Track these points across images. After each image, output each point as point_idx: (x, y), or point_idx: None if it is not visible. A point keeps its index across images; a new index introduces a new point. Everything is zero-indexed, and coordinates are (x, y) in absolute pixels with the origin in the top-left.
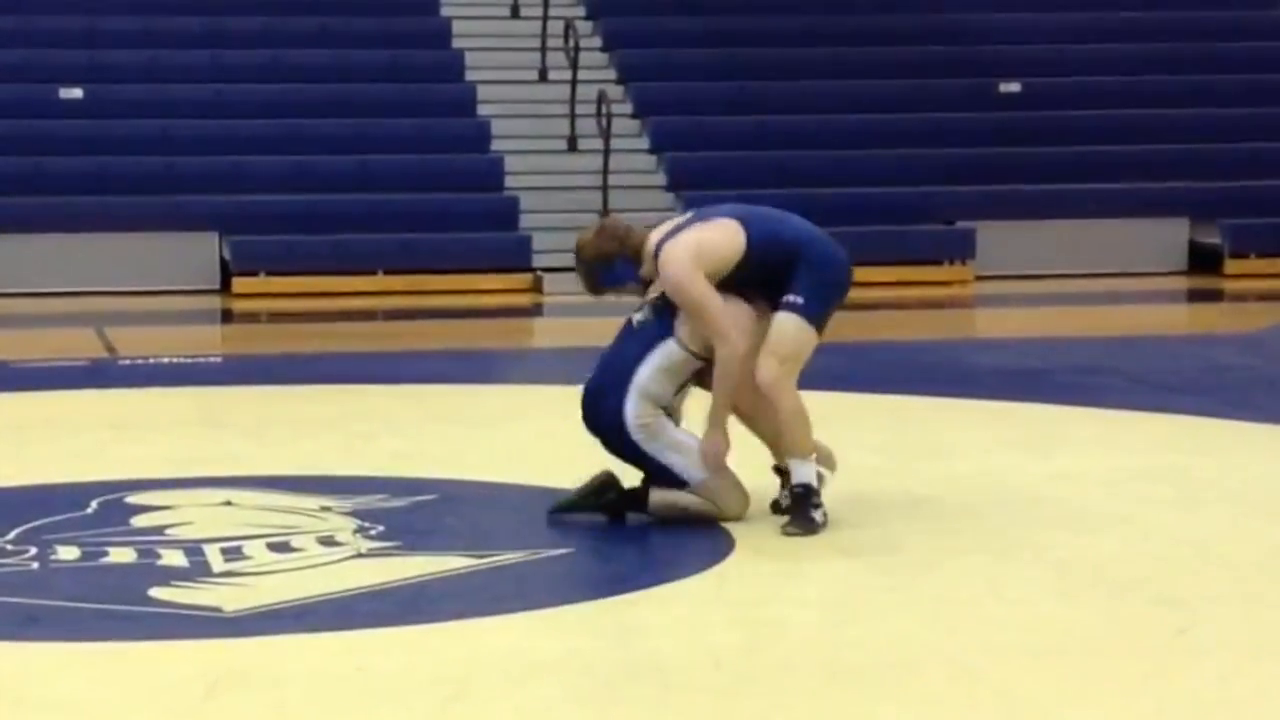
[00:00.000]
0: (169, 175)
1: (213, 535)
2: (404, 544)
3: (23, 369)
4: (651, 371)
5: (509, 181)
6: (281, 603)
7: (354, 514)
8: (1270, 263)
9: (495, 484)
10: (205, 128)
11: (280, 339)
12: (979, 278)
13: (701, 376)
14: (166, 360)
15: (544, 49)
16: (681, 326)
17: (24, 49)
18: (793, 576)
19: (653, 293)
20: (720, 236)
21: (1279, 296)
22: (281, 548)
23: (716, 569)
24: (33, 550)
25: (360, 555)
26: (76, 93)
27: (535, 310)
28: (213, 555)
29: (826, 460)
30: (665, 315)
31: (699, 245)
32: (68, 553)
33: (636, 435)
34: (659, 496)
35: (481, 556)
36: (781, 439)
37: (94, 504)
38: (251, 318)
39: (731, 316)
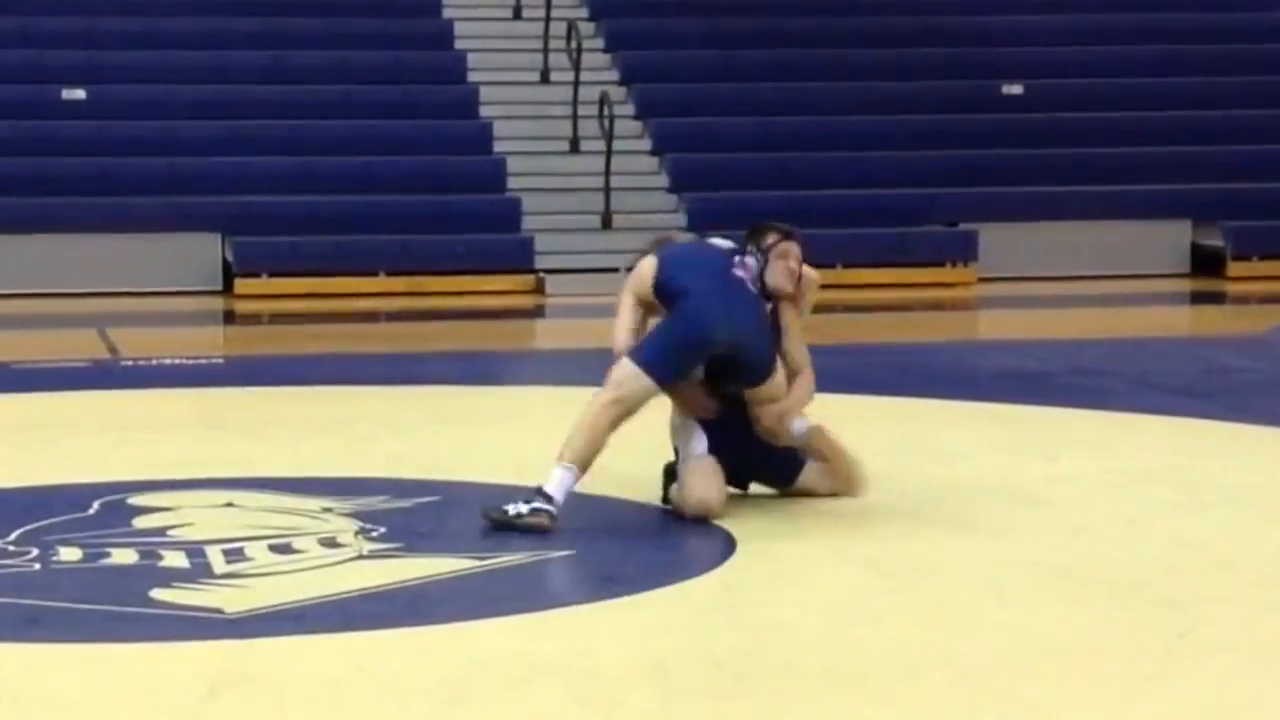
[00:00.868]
0: (171, 176)
1: (214, 537)
2: (406, 546)
3: (25, 370)
4: None
5: (511, 183)
6: (283, 604)
7: (356, 515)
8: (1273, 265)
9: (497, 486)
10: (208, 129)
11: (282, 340)
12: (981, 280)
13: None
14: (169, 361)
15: (546, 50)
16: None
17: (27, 50)
18: (794, 579)
19: None
20: (645, 266)
21: None
22: (283, 549)
23: (718, 571)
24: (34, 551)
25: (362, 557)
26: (79, 94)
27: (537, 311)
28: (214, 557)
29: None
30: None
31: (641, 266)
32: (69, 554)
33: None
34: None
35: (483, 558)
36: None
37: (96, 505)
38: (254, 319)
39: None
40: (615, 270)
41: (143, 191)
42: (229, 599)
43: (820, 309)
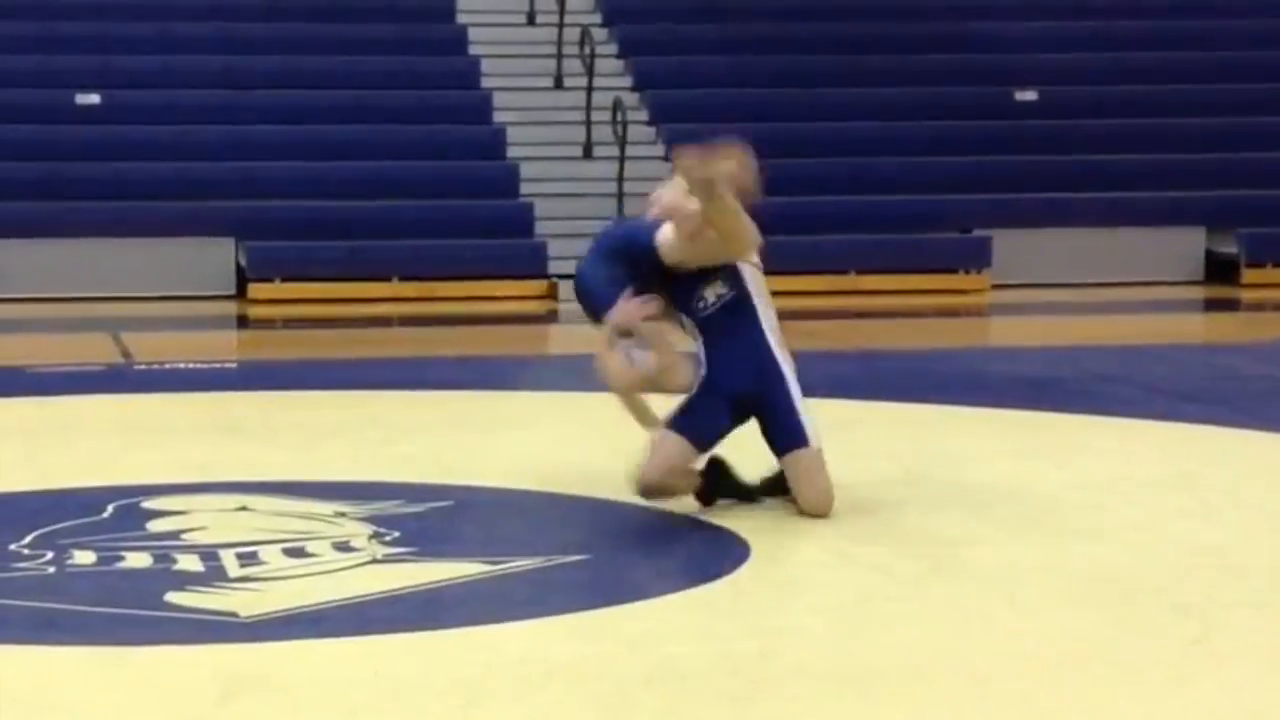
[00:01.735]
0: (185, 181)
1: (228, 540)
2: (419, 550)
3: (39, 374)
4: None
5: (524, 188)
6: (297, 608)
7: (369, 520)
8: None
9: (511, 490)
10: (221, 134)
11: (296, 345)
12: (995, 286)
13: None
14: (182, 366)
15: (560, 56)
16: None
17: (41, 55)
18: (807, 584)
19: None
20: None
21: None
22: (297, 553)
23: (731, 577)
24: (49, 555)
25: (376, 561)
26: (93, 98)
27: (550, 317)
28: (228, 560)
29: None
30: None
31: None
32: (84, 557)
33: None
34: None
35: (497, 563)
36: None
37: (110, 509)
38: (267, 323)
39: None
40: None
41: (156, 196)
42: (243, 602)
43: (833, 315)
